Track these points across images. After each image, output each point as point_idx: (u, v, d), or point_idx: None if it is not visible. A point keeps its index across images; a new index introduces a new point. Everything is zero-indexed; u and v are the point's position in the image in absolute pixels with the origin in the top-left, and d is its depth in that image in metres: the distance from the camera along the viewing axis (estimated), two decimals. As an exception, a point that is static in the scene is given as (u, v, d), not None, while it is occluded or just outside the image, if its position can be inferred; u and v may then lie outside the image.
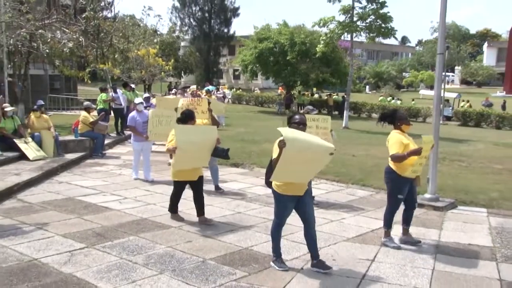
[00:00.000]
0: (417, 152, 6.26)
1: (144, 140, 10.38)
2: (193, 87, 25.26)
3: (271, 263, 5.78)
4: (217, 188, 9.68)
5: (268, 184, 5.73)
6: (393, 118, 6.64)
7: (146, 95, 14.85)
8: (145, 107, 12.61)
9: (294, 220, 7.70)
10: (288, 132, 5.22)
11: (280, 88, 51.82)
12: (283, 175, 5.40)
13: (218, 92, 30.59)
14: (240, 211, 8.25)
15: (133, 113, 10.73)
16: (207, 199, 8.98)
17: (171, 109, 10.72)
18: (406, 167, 6.38)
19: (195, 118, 7.66)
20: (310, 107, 9.26)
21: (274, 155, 5.39)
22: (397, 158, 6.36)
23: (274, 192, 5.66)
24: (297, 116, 5.69)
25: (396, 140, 6.45)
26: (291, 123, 5.60)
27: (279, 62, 34.91)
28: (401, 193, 6.54)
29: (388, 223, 6.71)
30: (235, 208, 8.39)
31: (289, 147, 5.11)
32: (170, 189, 9.35)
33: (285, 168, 5.24)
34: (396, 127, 6.63)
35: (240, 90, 50.31)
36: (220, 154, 7.74)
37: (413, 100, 37.34)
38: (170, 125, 9.69)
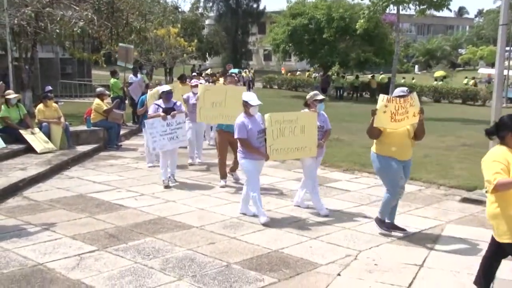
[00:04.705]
0: None
1: (262, 158, 7.72)
2: (209, 70, 24.90)
3: None
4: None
5: None
6: None
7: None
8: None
9: (330, 220, 7.62)
10: None
11: (282, 68, 51.61)
12: None
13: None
14: (270, 208, 8.16)
15: (241, 118, 7.56)
16: (232, 195, 8.97)
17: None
18: None
19: None
20: None
21: None
22: None
23: None
24: None
25: None
26: None
27: (314, 40, 34.64)
28: None
29: None
30: (265, 205, 8.28)
31: None
32: (204, 193, 9.43)
33: None
34: None
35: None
36: None
37: (473, 79, 36.09)
38: (295, 135, 7.67)
